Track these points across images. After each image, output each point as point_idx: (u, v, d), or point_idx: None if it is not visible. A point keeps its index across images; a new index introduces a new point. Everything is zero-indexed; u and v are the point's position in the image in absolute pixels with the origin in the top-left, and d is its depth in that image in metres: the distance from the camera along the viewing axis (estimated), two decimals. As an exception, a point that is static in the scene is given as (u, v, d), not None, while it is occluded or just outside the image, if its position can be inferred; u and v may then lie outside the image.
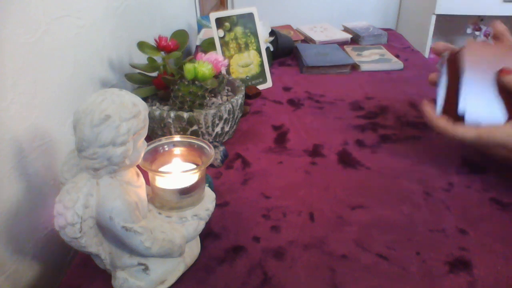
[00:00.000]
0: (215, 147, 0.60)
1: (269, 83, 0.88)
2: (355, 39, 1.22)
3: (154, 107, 0.60)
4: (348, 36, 1.20)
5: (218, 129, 0.61)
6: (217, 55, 0.63)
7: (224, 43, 0.81)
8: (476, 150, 0.56)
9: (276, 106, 0.80)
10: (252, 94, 0.76)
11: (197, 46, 1.18)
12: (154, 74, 0.67)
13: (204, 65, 0.58)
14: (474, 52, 0.53)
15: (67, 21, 0.54)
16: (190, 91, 0.58)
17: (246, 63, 0.84)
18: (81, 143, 0.31)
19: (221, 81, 0.67)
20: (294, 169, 0.59)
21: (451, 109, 0.53)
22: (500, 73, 0.50)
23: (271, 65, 0.98)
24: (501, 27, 0.55)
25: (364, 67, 0.99)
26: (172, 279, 0.39)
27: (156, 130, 0.61)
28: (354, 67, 1.00)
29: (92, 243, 0.35)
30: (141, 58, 0.69)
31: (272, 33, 1.01)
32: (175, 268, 0.40)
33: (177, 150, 0.42)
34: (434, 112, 0.53)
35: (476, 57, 0.52)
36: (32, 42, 0.46)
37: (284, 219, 0.48)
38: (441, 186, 0.54)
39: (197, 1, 1.50)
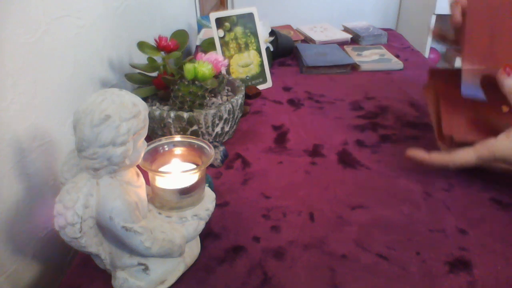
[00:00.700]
0: (215, 147, 0.60)
1: (269, 83, 0.88)
2: (355, 39, 1.22)
3: (154, 107, 0.60)
4: (348, 36, 1.20)
5: (218, 129, 0.61)
6: (217, 55, 0.63)
7: (224, 43, 0.81)
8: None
9: (276, 106, 0.80)
10: (252, 94, 0.76)
11: (197, 46, 1.18)
12: (154, 74, 0.67)
13: (204, 65, 0.58)
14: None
15: (67, 21, 0.54)
16: (190, 91, 0.58)
17: (246, 63, 0.84)
18: (81, 143, 0.31)
19: (221, 81, 0.67)
20: (294, 169, 0.59)
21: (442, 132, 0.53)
22: (502, 71, 0.49)
23: (271, 65, 0.98)
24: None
25: (364, 67, 0.99)
26: (172, 279, 0.39)
27: (156, 130, 0.61)
28: (354, 67, 1.00)
29: (92, 243, 0.35)
30: (141, 58, 0.69)
31: (272, 33, 1.01)
32: (175, 268, 0.40)
33: (177, 150, 0.42)
34: (425, 154, 0.52)
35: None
36: (32, 42, 0.46)
37: (284, 219, 0.48)
38: (441, 186, 0.54)
39: (197, 1, 1.50)
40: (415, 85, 0.89)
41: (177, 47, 0.64)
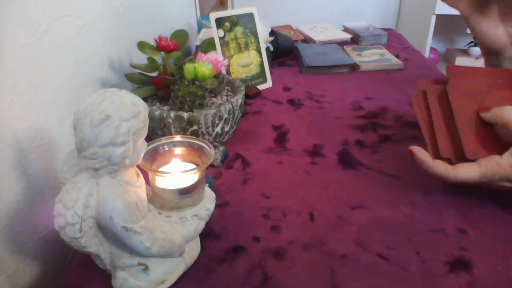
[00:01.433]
0: (215, 147, 0.60)
1: (269, 83, 0.88)
2: (355, 39, 1.22)
3: (154, 107, 0.60)
4: (348, 36, 1.20)
5: (218, 129, 0.61)
6: (217, 55, 0.63)
7: (224, 43, 0.81)
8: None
9: (276, 106, 0.80)
10: (252, 94, 0.76)
11: (197, 46, 1.18)
12: (154, 74, 0.67)
13: (204, 65, 0.58)
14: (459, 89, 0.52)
15: (67, 21, 0.54)
16: (190, 91, 0.58)
17: (246, 63, 0.84)
18: (81, 143, 0.31)
19: (221, 81, 0.67)
20: (294, 169, 0.59)
21: (447, 147, 0.50)
22: (480, 110, 0.49)
23: (271, 65, 0.98)
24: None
25: (364, 67, 0.99)
26: (172, 279, 0.39)
27: (156, 130, 0.61)
28: (354, 67, 1.00)
29: (92, 243, 0.35)
30: (141, 58, 0.69)
31: (272, 33, 1.01)
32: (175, 268, 0.40)
33: (177, 150, 0.42)
34: (429, 158, 0.49)
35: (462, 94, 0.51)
36: (32, 42, 0.46)
37: (284, 219, 0.48)
38: (441, 186, 0.54)
39: (197, 1, 1.50)
40: (415, 85, 0.89)
41: (177, 47, 0.64)
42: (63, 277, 0.42)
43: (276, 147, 0.65)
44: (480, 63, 1.83)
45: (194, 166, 0.40)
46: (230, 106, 0.61)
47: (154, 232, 0.35)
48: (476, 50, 2.27)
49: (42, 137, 0.48)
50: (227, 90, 0.71)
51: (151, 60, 0.65)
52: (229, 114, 0.61)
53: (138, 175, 0.37)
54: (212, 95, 0.67)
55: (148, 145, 0.39)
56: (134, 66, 0.65)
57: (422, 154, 0.49)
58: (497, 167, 0.45)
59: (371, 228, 0.47)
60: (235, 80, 0.70)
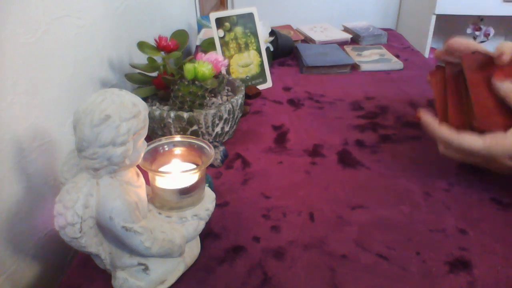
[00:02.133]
0: (215, 147, 0.60)
1: (269, 83, 0.88)
2: (355, 39, 1.22)
3: (154, 107, 0.60)
4: (348, 36, 1.20)
5: (218, 129, 0.61)
6: (217, 55, 0.63)
7: (224, 43, 0.81)
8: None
9: (276, 106, 0.80)
10: (252, 94, 0.76)
11: (197, 46, 1.18)
12: (154, 74, 0.67)
13: (204, 65, 0.58)
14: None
15: (67, 21, 0.54)
16: (190, 91, 0.58)
17: (246, 63, 0.84)
18: (81, 143, 0.31)
19: (221, 81, 0.67)
20: (294, 169, 0.58)
21: (456, 117, 0.51)
22: (495, 76, 0.49)
23: (271, 65, 0.98)
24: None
25: (364, 67, 0.99)
26: (172, 279, 0.39)
27: (156, 130, 0.61)
28: (354, 67, 1.00)
29: (92, 243, 0.35)
30: (141, 58, 0.69)
31: (272, 33, 1.01)
32: (175, 268, 0.40)
33: (177, 150, 0.42)
34: (435, 121, 0.50)
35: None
36: (32, 42, 0.46)
37: (284, 219, 0.48)
38: (441, 186, 0.54)
39: (197, 1, 1.50)
40: (415, 85, 0.89)
41: (177, 47, 0.64)
42: (63, 277, 0.42)
43: (276, 147, 0.65)
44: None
45: (194, 166, 0.40)
46: (230, 106, 0.60)
47: (154, 232, 0.35)
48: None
49: (42, 137, 0.48)
50: (227, 90, 0.71)
51: (151, 60, 0.65)
52: (229, 114, 0.61)
53: (138, 175, 0.37)
54: (212, 95, 0.67)
55: (148, 145, 0.39)
56: (134, 66, 0.65)
57: (428, 118, 0.51)
58: (502, 142, 0.46)
59: (371, 228, 0.47)
60: (235, 80, 0.70)
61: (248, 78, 0.85)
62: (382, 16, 2.33)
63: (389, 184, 0.55)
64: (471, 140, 0.47)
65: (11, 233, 0.43)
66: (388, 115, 0.75)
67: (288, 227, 0.47)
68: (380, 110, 0.77)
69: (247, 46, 0.84)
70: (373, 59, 1.03)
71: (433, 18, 1.89)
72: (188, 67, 0.58)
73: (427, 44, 1.96)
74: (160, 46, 0.63)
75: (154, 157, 0.40)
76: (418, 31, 2.03)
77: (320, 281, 0.40)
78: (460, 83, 0.55)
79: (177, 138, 0.42)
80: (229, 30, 0.81)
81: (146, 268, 0.37)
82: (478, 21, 2.12)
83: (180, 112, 0.58)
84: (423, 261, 0.42)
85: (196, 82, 0.58)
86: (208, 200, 0.42)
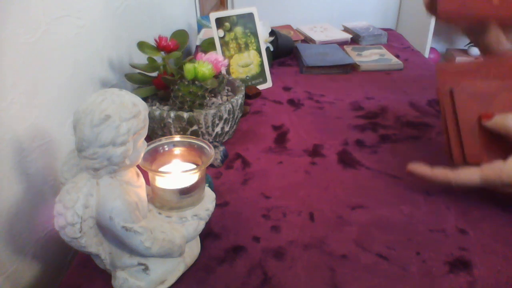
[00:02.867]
0: (215, 147, 0.60)
1: (269, 83, 0.88)
2: (355, 39, 1.22)
3: (154, 107, 0.60)
4: (348, 36, 1.20)
5: (218, 129, 0.61)
6: (217, 55, 0.63)
7: (224, 43, 0.81)
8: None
9: (276, 106, 0.80)
10: (252, 94, 0.76)
11: (197, 46, 1.18)
12: (154, 74, 0.67)
13: (204, 65, 0.58)
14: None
15: (67, 21, 0.54)
16: (190, 91, 0.58)
17: (246, 63, 0.84)
18: (81, 143, 0.31)
19: (221, 81, 0.67)
20: (294, 169, 0.59)
21: (455, 150, 0.51)
22: (482, 118, 0.48)
23: (271, 65, 0.98)
24: None
25: (364, 67, 0.99)
26: (172, 279, 0.39)
27: (156, 130, 0.61)
28: (354, 67, 1.00)
29: (92, 243, 0.35)
30: (141, 58, 0.69)
31: (272, 33, 1.01)
32: (175, 268, 0.40)
33: (177, 150, 0.42)
34: (427, 169, 0.50)
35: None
36: (32, 42, 0.46)
37: (284, 219, 0.48)
38: (441, 186, 0.54)
39: (197, 1, 1.50)
40: (415, 85, 0.89)
41: (177, 47, 0.64)
42: (63, 277, 0.42)
43: (276, 147, 0.65)
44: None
45: (194, 166, 0.40)
46: (230, 106, 0.60)
47: (154, 232, 0.35)
48: (476, 50, 2.26)
49: (42, 137, 0.48)
50: (227, 90, 0.71)
51: (151, 60, 0.65)
52: (229, 114, 0.61)
53: (138, 175, 0.37)
54: (212, 95, 0.67)
55: (148, 145, 0.39)
56: (134, 66, 0.65)
57: (420, 168, 0.51)
58: (499, 173, 0.45)
59: (371, 228, 0.47)
60: (235, 80, 0.70)
61: (248, 78, 0.85)
62: (382, 16, 2.34)
63: (389, 184, 0.55)
64: (467, 177, 0.47)
65: (11, 233, 0.43)
66: (388, 115, 0.75)
67: (288, 227, 0.47)
68: (380, 110, 0.77)
69: (247, 46, 0.84)
70: (373, 59, 1.03)
71: (433, 18, 1.89)
72: (188, 67, 0.58)
73: (427, 44, 1.97)
74: (160, 46, 0.63)
75: (154, 157, 0.40)
76: (418, 31, 2.03)
77: (320, 281, 0.40)
78: (452, 108, 0.54)
79: (177, 138, 0.42)
80: (229, 30, 0.81)
81: (146, 268, 0.37)
82: (478, 21, 2.11)
83: (180, 112, 0.58)
84: (423, 261, 0.42)
85: (196, 82, 0.58)
86: (208, 200, 0.42)
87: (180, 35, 0.68)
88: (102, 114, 0.31)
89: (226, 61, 0.64)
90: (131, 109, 0.32)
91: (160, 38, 0.63)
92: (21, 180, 0.44)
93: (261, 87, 0.86)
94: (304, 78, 0.95)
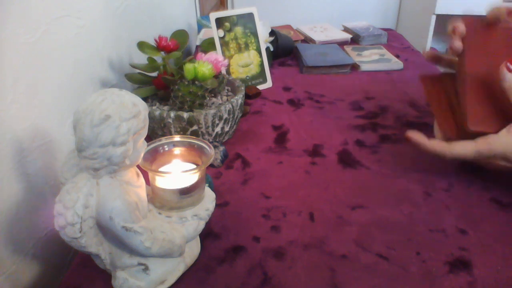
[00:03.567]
0: (215, 147, 0.60)
1: (269, 83, 0.88)
2: (355, 39, 1.22)
3: (154, 107, 0.60)
4: (348, 36, 1.20)
5: (218, 129, 0.61)
6: (217, 55, 0.63)
7: (224, 43, 0.81)
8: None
9: (276, 106, 0.80)
10: (252, 94, 0.76)
11: (197, 46, 1.18)
12: (154, 74, 0.67)
13: (204, 65, 0.58)
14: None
15: (67, 21, 0.54)
16: (190, 91, 0.58)
17: (246, 63, 0.84)
18: (81, 143, 0.31)
19: (221, 81, 0.67)
20: (294, 169, 0.59)
21: (447, 122, 0.52)
22: (510, 62, 0.47)
23: (271, 65, 0.98)
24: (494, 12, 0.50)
25: (364, 67, 0.99)
26: (172, 279, 0.39)
27: (156, 130, 0.61)
28: (354, 67, 1.00)
29: (92, 243, 0.35)
30: (141, 58, 0.69)
31: (272, 33, 1.01)
32: (175, 268, 0.40)
33: (177, 150, 0.42)
34: (425, 139, 0.51)
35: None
36: (32, 42, 0.46)
37: (284, 219, 0.48)
38: (441, 186, 0.54)
39: (197, 1, 1.50)
40: (415, 85, 0.89)
41: (177, 47, 0.64)
42: (63, 277, 0.42)
43: (276, 147, 0.65)
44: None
45: (194, 166, 0.40)
46: (230, 106, 0.60)
47: (154, 232, 0.35)
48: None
49: (42, 137, 0.48)
50: (227, 90, 0.71)
51: (151, 60, 0.65)
52: (229, 114, 0.61)
53: (138, 175, 0.37)
54: (212, 95, 0.67)
55: (148, 145, 0.39)
56: (134, 66, 0.65)
57: (417, 136, 0.52)
58: (492, 144, 0.46)
59: (371, 228, 0.47)
60: (235, 80, 0.70)
61: (248, 78, 0.85)
62: (382, 16, 2.33)
63: (389, 184, 0.55)
64: (462, 148, 0.48)
65: (11, 233, 0.43)
66: (388, 115, 0.75)
67: (288, 227, 0.47)
68: (380, 110, 0.77)
69: (247, 46, 0.84)
70: (373, 59, 1.03)
71: (433, 18, 1.89)
72: (188, 67, 0.58)
73: (427, 44, 1.96)
74: (160, 46, 0.63)
75: (154, 157, 0.40)
76: (418, 31, 2.03)
77: (320, 281, 0.40)
78: (449, 85, 0.54)
79: (177, 138, 0.42)
80: (229, 30, 0.81)
81: (146, 268, 0.37)
82: (478, 21, 2.12)
83: (180, 112, 0.58)
84: (423, 261, 0.42)
85: (196, 82, 0.58)
86: (208, 200, 0.42)
87: (180, 35, 0.68)
88: (102, 114, 0.31)
89: (226, 61, 0.64)
90: (131, 109, 0.32)
91: (160, 38, 0.63)
92: (21, 180, 0.44)
93: (261, 87, 0.86)
94: (304, 78, 0.95)
